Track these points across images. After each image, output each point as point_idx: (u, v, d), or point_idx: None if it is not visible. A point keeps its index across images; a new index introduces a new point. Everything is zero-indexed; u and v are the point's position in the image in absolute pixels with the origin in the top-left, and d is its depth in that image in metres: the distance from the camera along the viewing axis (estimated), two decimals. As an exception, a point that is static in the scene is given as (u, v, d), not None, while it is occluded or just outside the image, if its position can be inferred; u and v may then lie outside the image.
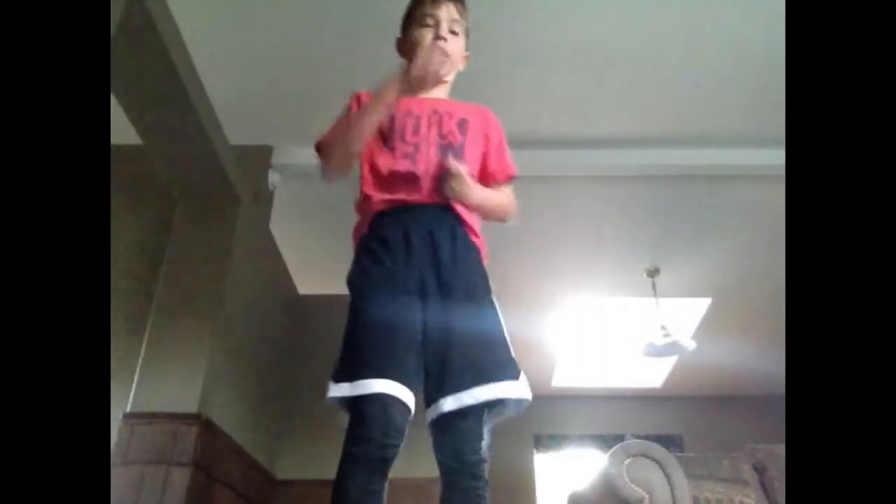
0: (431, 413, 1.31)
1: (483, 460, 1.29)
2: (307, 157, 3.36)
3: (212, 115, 2.61)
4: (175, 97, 2.33)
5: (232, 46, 2.74)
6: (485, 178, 1.60)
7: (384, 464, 1.25)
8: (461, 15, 1.58)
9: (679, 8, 2.57)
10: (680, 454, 2.83)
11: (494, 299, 1.46)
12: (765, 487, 2.93)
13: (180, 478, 2.22)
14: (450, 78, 1.62)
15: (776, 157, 3.23)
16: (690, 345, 4.40)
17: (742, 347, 5.35)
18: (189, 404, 2.36)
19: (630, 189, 3.63)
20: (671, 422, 6.25)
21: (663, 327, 4.41)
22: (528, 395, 1.34)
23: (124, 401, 2.37)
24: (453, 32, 1.56)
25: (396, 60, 1.60)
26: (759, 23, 2.61)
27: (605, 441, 5.89)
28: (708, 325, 5.03)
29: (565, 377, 6.08)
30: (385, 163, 1.48)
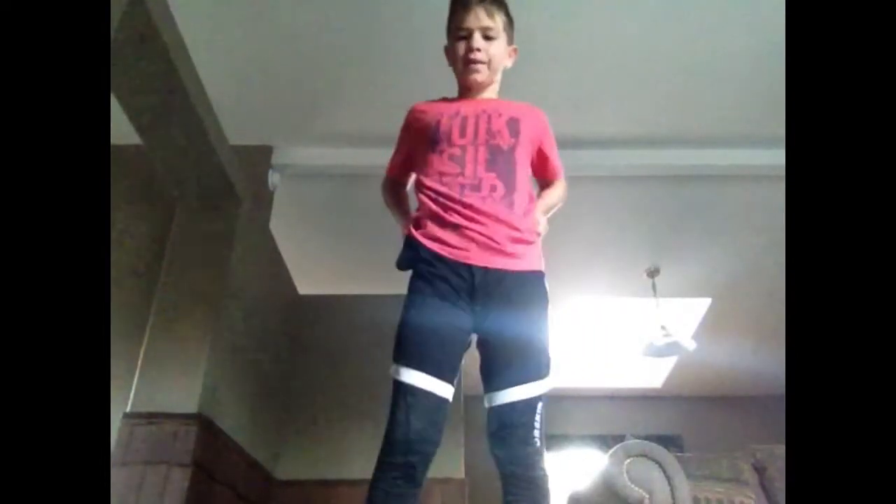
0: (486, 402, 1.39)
1: (533, 458, 1.35)
2: (307, 157, 3.39)
3: (212, 116, 2.60)
4: (175, 97, 2.32)
5: (232, 47, 2.74)
6: (545, 175, 1.70)
7: (410, 469, 1.30)
8: (493, 17, 1.59)
9: (679, 8, 2.57)
10: (680, 454, 2.83)
11: (546, 305, 1.48)
12: (765, 487, 2.93)
13: (180, 478, 2.22)
14: (497, 78, 1.66)
15: (776, 157, 3.23)
16: (690, 345, 4.40)
17: (742, 347, 5.36)
18: (189, 404, 2.36)
19: (630, 189, 3.63)
20: (671, 422, 6.25)
21: (663, 327, 4.41)
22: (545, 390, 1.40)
23: (124, 401, 2.37)
24: (488, 38, 1.58)
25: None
26: (759, 23, 2.61)
27: (605, 441, 5.89)
28: (708, 326, 5.03)
29: (565, 377, 6.08)
30: (434, 165, 1.51)
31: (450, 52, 1.65)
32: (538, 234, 1.53)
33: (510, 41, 1.67)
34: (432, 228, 1.46)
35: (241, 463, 2.76)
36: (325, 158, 3.32)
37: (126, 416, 2.33)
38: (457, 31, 1.59)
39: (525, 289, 1.43)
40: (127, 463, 2.24)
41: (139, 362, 2.46)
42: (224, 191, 2.77)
